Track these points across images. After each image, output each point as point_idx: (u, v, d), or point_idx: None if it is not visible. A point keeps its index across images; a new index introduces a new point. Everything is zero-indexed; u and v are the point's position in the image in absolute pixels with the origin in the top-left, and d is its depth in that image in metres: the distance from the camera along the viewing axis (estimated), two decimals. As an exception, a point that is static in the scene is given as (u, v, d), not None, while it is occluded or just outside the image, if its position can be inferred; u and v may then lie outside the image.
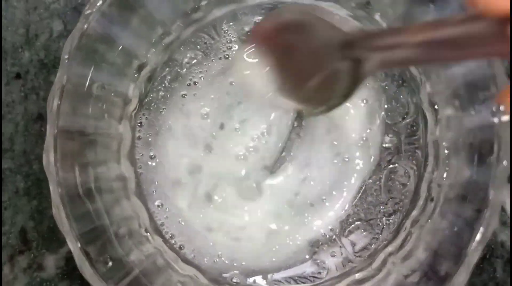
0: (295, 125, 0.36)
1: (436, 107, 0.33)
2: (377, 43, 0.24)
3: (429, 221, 0.31)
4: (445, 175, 0.31)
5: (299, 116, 0.35)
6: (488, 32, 0.20)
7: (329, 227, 0.35)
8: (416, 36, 0.22)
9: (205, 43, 0.37)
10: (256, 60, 0.30)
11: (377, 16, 0.34)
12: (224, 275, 0.34)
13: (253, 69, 0.30)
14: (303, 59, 0.28)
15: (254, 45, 0.30)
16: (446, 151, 0.31)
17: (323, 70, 0.27)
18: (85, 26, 0.29)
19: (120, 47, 0.32)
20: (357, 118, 0.35)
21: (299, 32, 0.28)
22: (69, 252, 0.27)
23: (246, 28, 0.37)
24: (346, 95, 0.27)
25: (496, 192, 0.26)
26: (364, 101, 0.35)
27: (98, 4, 0.29)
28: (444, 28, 0.21)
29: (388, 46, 0.23)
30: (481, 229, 0.26)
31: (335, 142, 0.35)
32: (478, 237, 0.26)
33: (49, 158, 0.27)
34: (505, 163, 0.26)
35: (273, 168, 0.35)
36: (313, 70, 0.28)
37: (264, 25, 0.30)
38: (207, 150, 0.35)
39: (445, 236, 0.28)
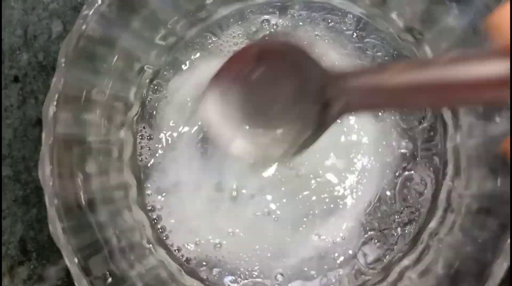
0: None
1: (456, 110, 0.31)
2: (350, 82, 0.21)
3: (449, 234, 0.29)
4: (466, 185, 0.29)
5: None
6: (483, 73, 0.17)
7: (341, 237, 0.33)
8: (394, 79, 0.19)
9: (211, 43, 0.35)
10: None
11: (393, 15, 0.32)
12: (231, 286, 0.33)
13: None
14: (278, 90, 0.25)
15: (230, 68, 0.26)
16: (467, 160, 0.29)
17: (295, 107, 0.24)
18: (83, 28, 0.27)
19: (121, 49, 0.30)
20: (369, 122, 0.34)
21: (280, 62, 0.24)
22: (70, 263, 0.26)
23: (254, 28, 0.35)
24: (307, 144, 0.24)
25: (524, 206, 0.24)
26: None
27: (96, 4, 0.28)
28: (428, 70, 0.18)
29: (362, 87, 0.21)
30: (507, 245, 0.24)
31: (347, 148, 0.33)
32: (503, 254, 0.24)
33: (45, 169, 0.26)
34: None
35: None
36: (285, 104, 0.24)
37: (248, 49, 0.26)
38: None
39: (467, 252, 0.26)
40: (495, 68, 0.17)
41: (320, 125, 0.23)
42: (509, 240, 0.24)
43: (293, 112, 0.24)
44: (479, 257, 0.25)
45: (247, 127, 0.25)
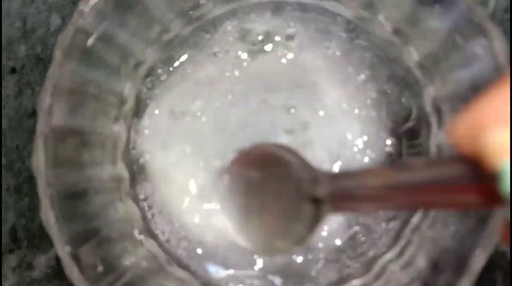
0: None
1: (440, 110, 0.32)
2: (337, 183, 0.23)
3: (430, 228, 0.30)
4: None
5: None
6: (457, 176, 0.19)
7: (327, 230, 0.34)
8: (376, 180, 0.21)
9: (205, 42, 0.36)
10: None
11: (381, 17, 0.33)
12: (218, 278, 0.33)
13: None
14: (272, 192, 0.26)
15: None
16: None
17: (288, 206, 0.26)
18: (80, 22, 0.28)
19: (116, 45, 0.31)
20: (356, 120, 0.35)
21: (273, 166, 0.26)
22: (60, 251, 0.27)
23: (247, 28, 0.36)
24: (301, 240, 0.25)
25: (501, 201, 0.25)
26: (366, 103, 0.34)
27: (94, 0, 0.28)
28: (408, 172, 0.20)
29: (348, 187, 0.22)
30: (485, 238, 0.25)
31: (335, 145, 0.34)
32: (481, 246, 0.25)
33: (39, 159, 0.26)
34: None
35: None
36: (278, 205, 0.26)
37: (244, 156, 0.28)
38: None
39: (447, 245, 0.27)
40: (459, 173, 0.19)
41: (312, 222, 0.24)
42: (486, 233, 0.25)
43: (288, 209, 0.25)
44: (458, 250, 0.26)
45: (250, 218, 0.27)
